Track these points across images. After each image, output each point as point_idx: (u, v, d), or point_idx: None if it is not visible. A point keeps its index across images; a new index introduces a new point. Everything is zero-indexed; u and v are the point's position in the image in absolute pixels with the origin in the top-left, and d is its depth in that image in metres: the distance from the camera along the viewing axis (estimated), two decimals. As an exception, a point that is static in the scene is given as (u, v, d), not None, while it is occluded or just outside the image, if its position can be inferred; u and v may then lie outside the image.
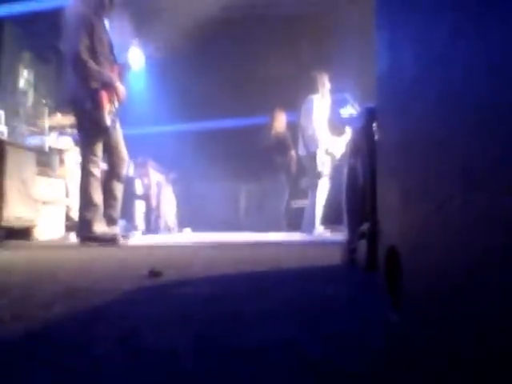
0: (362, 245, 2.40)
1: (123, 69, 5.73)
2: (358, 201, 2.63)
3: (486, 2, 0.64)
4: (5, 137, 6.50)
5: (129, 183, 7.77)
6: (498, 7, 0.60)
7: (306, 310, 1.47)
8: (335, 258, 2.94)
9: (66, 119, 7.50)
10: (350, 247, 2.76)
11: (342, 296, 1.74)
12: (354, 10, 9.08)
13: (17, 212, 5.72)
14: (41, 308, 1.49)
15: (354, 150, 2.70)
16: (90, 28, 5.28)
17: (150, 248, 5.23)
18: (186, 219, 10.96)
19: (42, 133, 7.52)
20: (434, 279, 0.82)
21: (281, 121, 10.17)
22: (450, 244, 0.74)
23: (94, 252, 4.40)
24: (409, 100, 0.92)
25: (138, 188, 9.36)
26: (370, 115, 2.37)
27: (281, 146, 10.01)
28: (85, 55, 5.20)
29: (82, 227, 5.34)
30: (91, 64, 5.23)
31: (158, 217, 10.01)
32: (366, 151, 2.36)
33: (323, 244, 5.40)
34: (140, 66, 6.37)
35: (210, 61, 11.12)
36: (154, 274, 2.24)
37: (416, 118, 0.89)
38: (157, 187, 10.05)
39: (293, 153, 9.77)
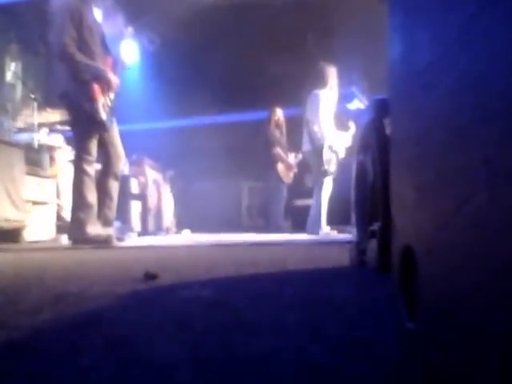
0: (373, 245, 2.37)
1: (116, 61, 5.68)
2: (368, 198, 2.60)
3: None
4: (-9, 133, 6.47)
5: (124, 182, 7.74)
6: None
7: (314, 316, 1.44)
8: (343, 259, 2.91)
9: (57, 115, 7.46)
10: (360, 248, 2.74)
11: (351, 301, 1.71)
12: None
13: (5, 213, 5.70)
14: (27, 315, 1.46)
15: (363, 145, 2.66)
16: (78, 17, 5.23)
17: (146, 250, 5.20)
18: (185, 220, 10.89)
19: (30, 129, 7.49)
20: (453, 284, 0.79)
21: (273, 116, 10.06)
22: (473, 246, 0.71)
23: (87, 254, 4.38)
24: (426, 86, 0.89)
25: (134, 187, 9.33)
26: (380, 108, 2.34)
27: (267, 142, 9.93)
28: (72, 47, 5.15)
29: (75, 228, 5.30)
30: (79, 56, 5.18)
31: (155, 217, 9.98)
32: (376, 146, 2.32)
33: (330, 244, 5.37)
34: (134, 59, 6.34)
35: (208, 53, 11.07)
36: (149, 276, 2.21)
37: (433, 105, 0.86)
38: (154, 186, 10.01)
39: (276, 150, 9.72)
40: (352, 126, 7.74)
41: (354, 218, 2.93)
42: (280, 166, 9.85)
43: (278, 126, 10.04)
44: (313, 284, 2.19)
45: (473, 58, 0.71)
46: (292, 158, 9.98)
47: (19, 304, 1.65)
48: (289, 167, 9.97)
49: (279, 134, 10.01)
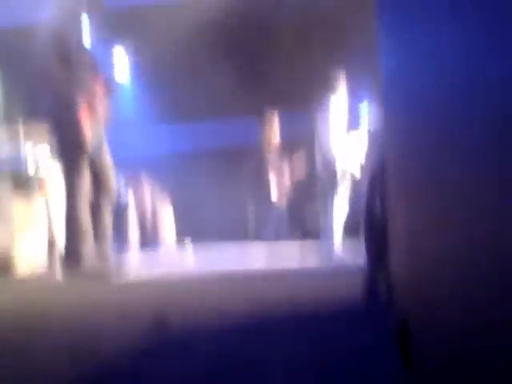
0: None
1: (109, 82, 5.67)
2: (378, 229, 2.71)
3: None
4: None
5: (121, 207, 7.77)
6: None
7: (318, 364, 1.57)
8: (356, 292, 3.01)
9: (45, 134, 7.37)
10: (372, 282, 2.87)
11: (355, 347, 1.83)
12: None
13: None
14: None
15: (372, 182, 2.79)
16: (62, 49, 5.16)
17: (148, 286, 5.06)
18: (185, 226, 10.93)
19: (17, 143, 7.44)
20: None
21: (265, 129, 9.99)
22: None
23: (82, 292, 4.39)
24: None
25: (132, 211, 9.45)
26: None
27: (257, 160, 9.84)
28: (56, 63, 5.13)
29: (68, 260, 5.35)
30: (65, 72, 5.17)
31: (153, 228, 10.06)
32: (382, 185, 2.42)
33: (343, 273, 5.36)
34: (126, 77, 6.24)
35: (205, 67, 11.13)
36: (159, 323, 2.30)
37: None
38: (151, 198, 10.12)
39: (269, 170, 9.75)
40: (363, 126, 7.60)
41: (366, 251, 3.07)
42: (273, 188, 9.75)
43: (270, 138, 9.92)
44: (319, 327, 2.31)
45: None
46: (287, 179, 9.92)
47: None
48: (282, 190, 9.94)
49: (272, 149, 9.91)
